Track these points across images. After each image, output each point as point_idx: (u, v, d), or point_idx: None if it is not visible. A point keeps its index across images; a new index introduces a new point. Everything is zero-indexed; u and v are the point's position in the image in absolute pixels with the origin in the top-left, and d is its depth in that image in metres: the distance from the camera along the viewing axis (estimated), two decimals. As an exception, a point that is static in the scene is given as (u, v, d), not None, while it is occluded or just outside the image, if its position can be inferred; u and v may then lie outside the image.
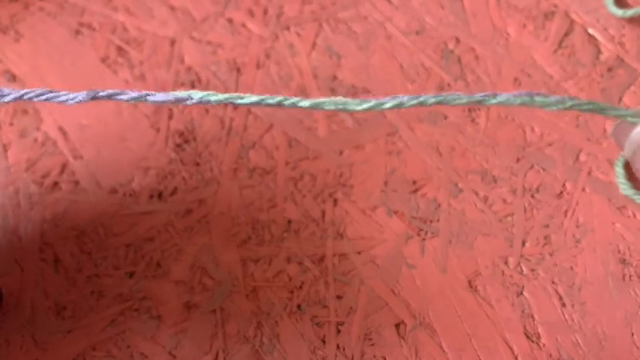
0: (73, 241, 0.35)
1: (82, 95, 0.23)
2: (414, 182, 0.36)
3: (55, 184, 0.36)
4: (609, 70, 0.39)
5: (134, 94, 0.23)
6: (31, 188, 0.36)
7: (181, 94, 0.23)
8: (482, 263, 0.35)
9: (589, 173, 0.36)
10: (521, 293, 0.34)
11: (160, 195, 0.36)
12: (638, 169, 0.21)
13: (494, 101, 0.23)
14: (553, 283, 0.34)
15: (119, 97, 0.24)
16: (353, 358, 0.33)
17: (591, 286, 0.34)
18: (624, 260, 0.35)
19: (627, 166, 0.36)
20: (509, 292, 0.34)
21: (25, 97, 0.24)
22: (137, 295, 0.34)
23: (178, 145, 0.37)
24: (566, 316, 0.34)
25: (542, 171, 0.37)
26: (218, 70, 0.39)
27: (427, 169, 0.37)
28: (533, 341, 0.33)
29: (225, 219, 0.35)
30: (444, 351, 0.33)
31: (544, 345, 0.33)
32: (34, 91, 0.23)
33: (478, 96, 0.23)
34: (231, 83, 0.39)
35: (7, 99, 0.23)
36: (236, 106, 0.38)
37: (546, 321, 0.33)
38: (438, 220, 0.35)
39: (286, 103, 0.24)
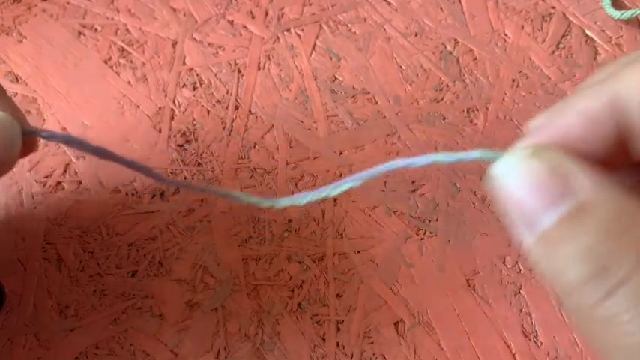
0: (76, 241, 0.35)
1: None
2: (413, 182, 0.37)
3: (58, 183, 0.37)
4: (606, 71, 0.39)
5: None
6: (34, 188, 0.36)
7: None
8: (481, 262, 0.35)
9: (586, 173, 0.37)
10: (519, 292, 0.34)
11: (162, 195, 0.36)
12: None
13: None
14: (550, 281, 0.35)
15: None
16: (352, 355, 0.33)
17: (588, 284, 0.34)
18: (621, 259, 0.35)
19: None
20: (507, 290, 0.34)
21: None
22: (139, 293, 0.34)
23: (180, 146, 0.38)
24: (564, 315, 0.34)
25: (539, 171, 0.37)
26: (219, 71, 0.40)
27: (426, 169, 0.37)
28: (530, 339, 0.33)
29: (227, 218, 0.36)
30: (442, 349, 0.33)
31: (541, 343, 0.33)
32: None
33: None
34: (232, 84, 0.39)
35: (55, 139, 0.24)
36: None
37: (544, 319, 0.34)
38: (437, 220, 0.36)
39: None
